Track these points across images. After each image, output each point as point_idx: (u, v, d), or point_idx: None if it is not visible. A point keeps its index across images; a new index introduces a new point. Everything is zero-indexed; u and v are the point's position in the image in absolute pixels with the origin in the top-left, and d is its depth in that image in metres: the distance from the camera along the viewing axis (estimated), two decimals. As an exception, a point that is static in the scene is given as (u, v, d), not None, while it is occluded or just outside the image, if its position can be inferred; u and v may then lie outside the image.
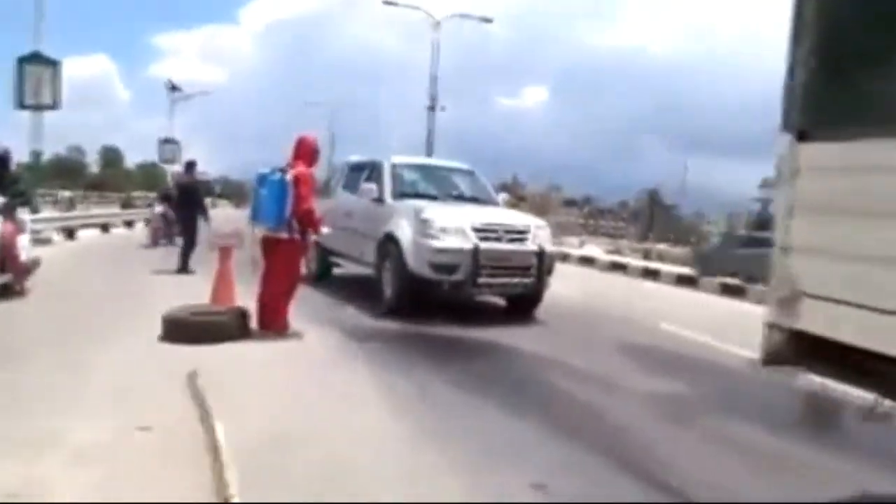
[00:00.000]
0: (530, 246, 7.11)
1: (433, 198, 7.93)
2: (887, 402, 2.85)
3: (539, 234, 7.32)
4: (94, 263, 10.96)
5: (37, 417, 3.47)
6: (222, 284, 6.51)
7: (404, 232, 7.09)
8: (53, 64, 15.61)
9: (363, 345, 5.78)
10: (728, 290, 11.86)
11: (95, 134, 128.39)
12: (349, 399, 4.26)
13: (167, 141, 30.04)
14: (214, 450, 3.06)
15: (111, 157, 74.32)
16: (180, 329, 5.33)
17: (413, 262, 6.91)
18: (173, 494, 2.71)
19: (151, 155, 37.92)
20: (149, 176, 53.56)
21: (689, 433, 4.11)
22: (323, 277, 9.39)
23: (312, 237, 6.27)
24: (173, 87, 33.71)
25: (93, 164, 73.24)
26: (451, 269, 6.79)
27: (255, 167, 6.13)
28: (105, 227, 17.73)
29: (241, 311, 5.77)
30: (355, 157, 9.73)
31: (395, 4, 27.27)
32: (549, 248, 7.38)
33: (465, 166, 9.34)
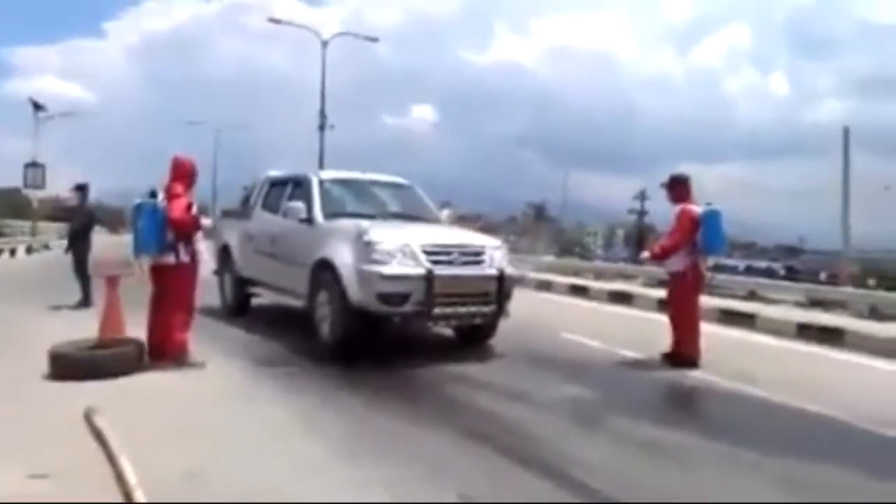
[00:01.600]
0: (488, 269, 6.25)
1: (370, 216, 6.84)
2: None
3: (495, 255, 6.44)
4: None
5: None
6: (111, 315, 6.04)
7: (343, 257, 6.05)
8: None
9: (271, 370, 5.59)
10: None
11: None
12: (260, 426, 4.11)
13: (33, 165, 27.67)
14: (126, 492, 2.86)
15: (-37, 182, 67.38)
16: (69, 365, 4.94)
17: (356, 293, 5.86)
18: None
19: (12, 180, 34.73)
20: (10, 203, 49.00)
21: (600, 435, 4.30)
22: (239, 311, 8.32)
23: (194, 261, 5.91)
24: (37, 107, 31.07)
25: (-60, 190, 66.16)
26: (401, 299, 5.82)
27: (134, 191, 5.87)
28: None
29: (134, 343, 5.44)
30: (274, 172, 8.59)
31: (280, 22, 26.88)
32: (509, 270, 6.49)
33: (401, 180, 8.28)
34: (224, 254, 8.72)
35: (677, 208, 6.41)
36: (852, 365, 7.12)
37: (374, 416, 4.43)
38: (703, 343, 6.45)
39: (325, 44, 26.44)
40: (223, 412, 4.39)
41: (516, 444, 3.96)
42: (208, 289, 8.45)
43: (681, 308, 6.49)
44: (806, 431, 4.65)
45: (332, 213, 6.86)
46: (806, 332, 8.66)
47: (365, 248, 5.90)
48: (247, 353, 6.22)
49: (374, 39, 29.50)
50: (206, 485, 3.13)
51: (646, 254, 6.81)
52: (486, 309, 6.22)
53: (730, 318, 9.79)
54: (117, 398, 4.42)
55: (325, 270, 6.23)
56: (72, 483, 3.06)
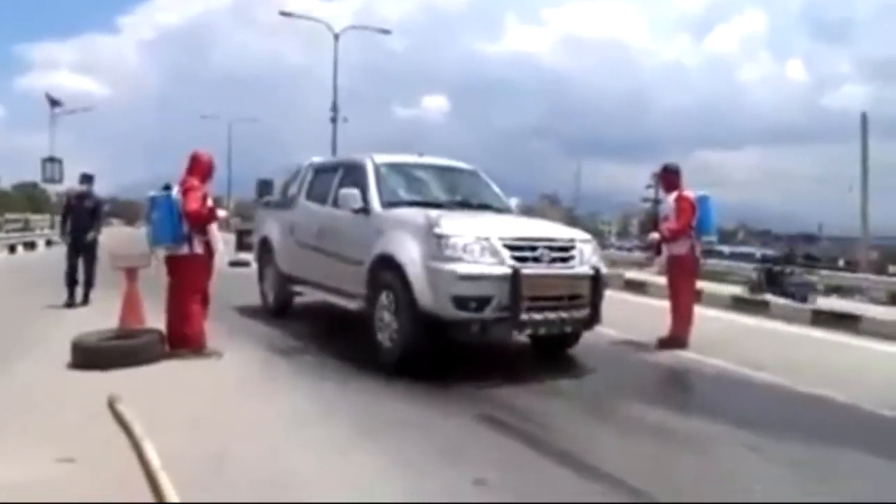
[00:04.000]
0: (580, 267, 5.39)
1: (434, 205, 5.97)
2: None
3: (585, 250, 5.55)
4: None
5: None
6: (130, 307, 6.21)
7: (409, 253, 5.20)
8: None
9: (289, 358, 5.69)
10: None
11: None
12: (278, 412, 4.21)
13: (50, 160, 27.98)
14: (150, 475, 2.95)
15: (-18, 177, 68.32)
16: (91, 355, 5.07)
17: (426, 295, 5.02)
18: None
19: (29, 175, 35.23)
20: (29, 197, 49.65)
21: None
22: (281, 310, 7.73)
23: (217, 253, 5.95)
24: (53, 102, 31.51)
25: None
26: (481, 303, 4.96)
27: (147, 185, 5.96)
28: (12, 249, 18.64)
29: (153, 333, 5.56)
30: (318, 159, 8.02)
31: (292, 15, 26.93)
32: (603, 269, 5.64)
33: (464, 165, 7.40)
34: (263, 248, 8.17)
35: (673, 195, 6.72)
36: (865, 350, 7.11)
37: (391, 400, 4.51)
38: (713, 328, 6.51)
39: (337, 37, 26.48)
40: (241, 399, 4.49)
41: (531, 430, 4.00)
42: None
43: (680, 290, 6.68)
44: (811, 414, 4.69)
45: (390, 202, 6.04)
46: (820, 318, 8.63)
47: (436, 243, 5.06)
48: (265, 342, 6.30)
49: (387, 32, 29.46)
50: (226, 468, 3.22)
51: (655, 235, 6.93)
52: (578, 314, 5.32)
53: (743, 305, 9.77)
54: (138, 386, 4.53)
55: (386, 268, 5.42)
56: (97, 467, 3.16)
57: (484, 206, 6.57)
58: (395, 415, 4.24)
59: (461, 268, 4.95)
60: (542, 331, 5.34)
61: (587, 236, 5.84)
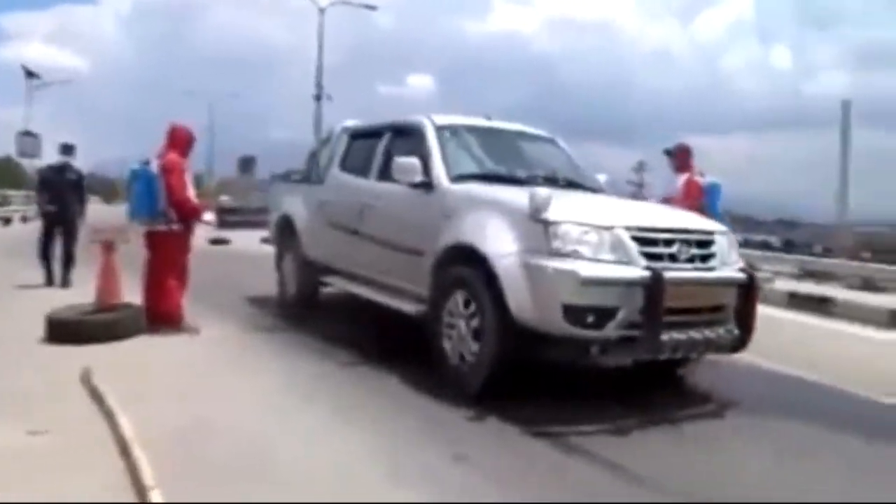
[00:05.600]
0: (724, 269, 4.10)
1: (513, 181, 4.72)
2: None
3: (723, 244, 4.21)
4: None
5: None
6: (107, 281, 6.09)
7: (499, 244, 3.90)
8: None
9: (265, 335, 5.65)
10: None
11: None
12: (254, 386, 4.18)
13: (27, 133, 27.38)
14: (124, 445, 2.92)
15: (-45, 151, 66.78)
16: (66, 330, 5.00)
17: (525, 302, 3.72)
18: (85, 494, 2.57)
19: (2, 149, 34.42)
20: (2, 171, 48.70)
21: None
22: (304, 302, 6.61)
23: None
24: (30, 74, 30.86)
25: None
26: (602, 315, 3.64)
27: (126, 162, 5.88)
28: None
29: (131, 308, 5.50)
30: (353, 122, 6.50)
31: (276, -10, 26.50)
32: (755, 273, 4.38)
33: (541, 132, 6.00)
34: (284, 229, 6.90)
35: (683, 177, 6.24)
36: (840, 333, 7.20)
37: (364, 379, 4.46)
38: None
39: (322, 11, 26.10)
40: (217, 375, 4.44)
41: (532, 414, 3.76)
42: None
43: None
44: (800, 398, 4.72)
45: (460, 175, 4.78)
46: (795, 301, 8.74)
47: (542, 231, 3.74)
48: (244, 321, 6.21)
49: (372, 8, 29.04)
50: (200, 439, 3.20)
51: None
52: (723, 332, 3.97)
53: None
54: (114, 360, 4.47)
55: (462, 263, 4.15)
56: (70, 439, 3.13)
57: (572, 184, 5.16)
58: (369, 389, 4.21)
59: (583, 268, 3.56)
60: (680, 354, 3.95)
61: (724, 227, 4.43)
